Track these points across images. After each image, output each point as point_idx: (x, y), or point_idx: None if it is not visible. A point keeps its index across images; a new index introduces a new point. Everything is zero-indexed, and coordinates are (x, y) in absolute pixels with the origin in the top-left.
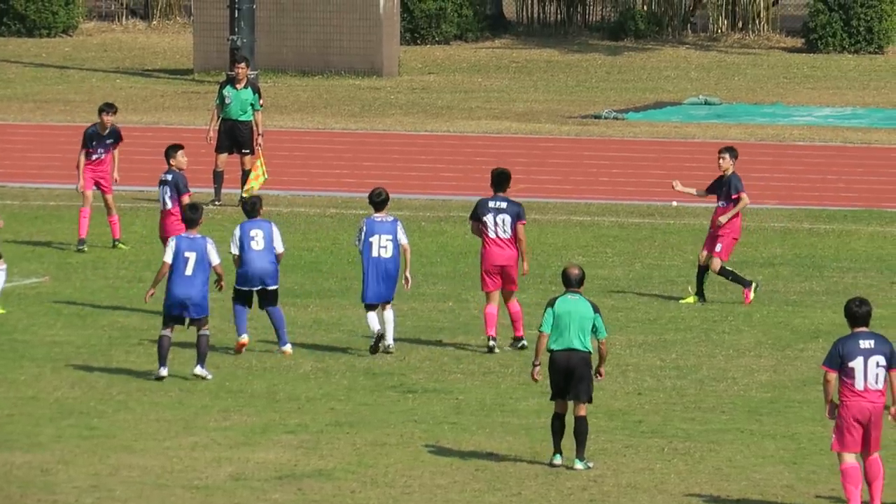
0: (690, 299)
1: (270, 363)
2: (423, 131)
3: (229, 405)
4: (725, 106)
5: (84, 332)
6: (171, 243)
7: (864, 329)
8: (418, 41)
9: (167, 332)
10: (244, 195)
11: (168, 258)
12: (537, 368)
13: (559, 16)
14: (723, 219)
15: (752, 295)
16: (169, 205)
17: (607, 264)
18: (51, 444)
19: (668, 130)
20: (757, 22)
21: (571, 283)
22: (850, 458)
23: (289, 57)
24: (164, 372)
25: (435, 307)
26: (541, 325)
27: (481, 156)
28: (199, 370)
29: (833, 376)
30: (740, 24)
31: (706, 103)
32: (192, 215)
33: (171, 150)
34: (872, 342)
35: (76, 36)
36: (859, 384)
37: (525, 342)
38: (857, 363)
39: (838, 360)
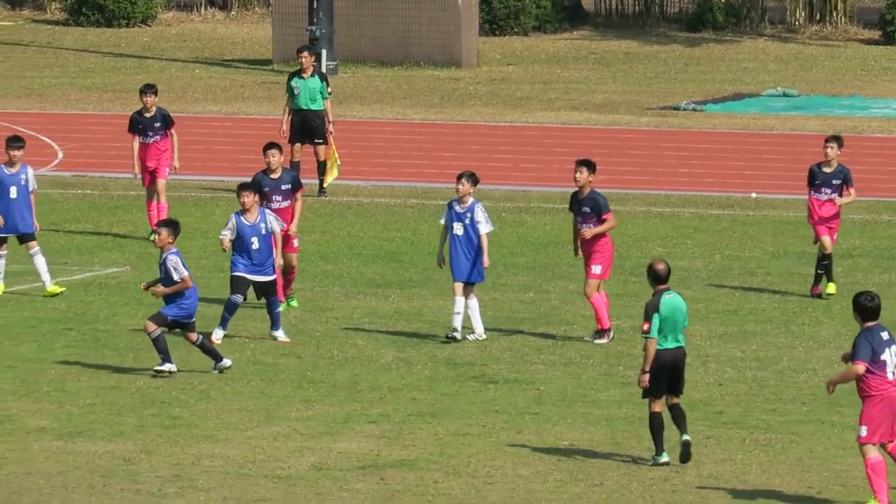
0: (831, 288)
1: (352, 353)
2: (502, 122)
3: (311, 395)
4: (804, 98)
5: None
6: (178, 261)
7: (876, 323)
8: (497, 32)
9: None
10: (330, 181)
11: (186, 273)
12: (648, 376)
13: (637, 7)
14: (840, 200)
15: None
16: None
17: (687, 255)
18: (133, 434)
19: (747, 122)
20: (834, 14)
21: (662, 279)
22: (876, 452)
23: (368, 47)
24: (173, 367)
25: (516, 298)
26: (649, 331)
27: (561, 147)
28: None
29: (864, 368)
30: (818, 17)
31: (784, 95)
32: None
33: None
34: (887, 333)
35: (155, 26)
36: (890, 375)
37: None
38: (886, 355)
39: (870, 354)
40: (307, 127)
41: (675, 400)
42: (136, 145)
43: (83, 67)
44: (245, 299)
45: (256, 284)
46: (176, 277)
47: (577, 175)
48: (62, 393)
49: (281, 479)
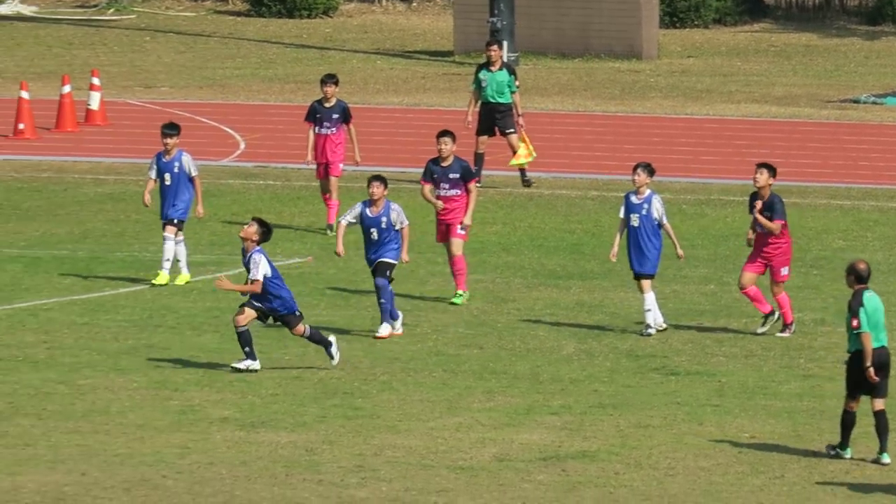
0: None
1: (534, 344)
2: (682, 114)
3: (493, 386)
4: None
5: (347, 312)
6: (263, 260)
7: None
8: (677, 25)
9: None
10: (513, 163)
11: (261, 277)
12: (872, 370)
13: (817, 0)
14: None
15: None
16: None
17: (868, 248)
18: (315, 424)
19: None
20: None
21: (864, 278)
22: None
23: (548, 39)
24: (337, 350)
25: (697, 290)
26: (859, 326)
27: (741, 139)
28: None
29: None
30: None
31: None
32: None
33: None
34: None
35: (336, 17)
36: None
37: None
38: None
39: None
40: (494, 119)
41: (880, 406)
42: (311, 134)
43: (265, 58)
44: (389, 281)
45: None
46: (250, 276)
47: (757, 176)
48: (244, 383)
49: (463, 469)
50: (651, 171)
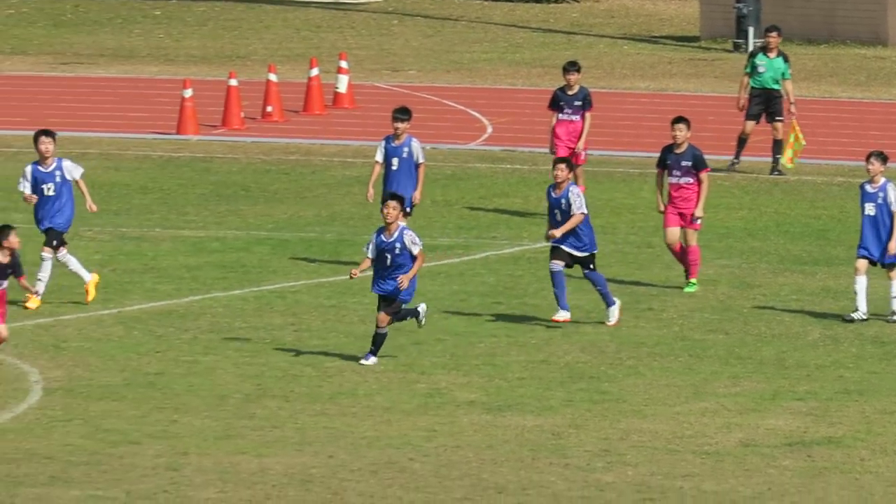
0: None
1: (779, 330)
2: None
3: (738, 371)
4: None
5: (593, 296)
6: (414, 234)
7: None
8: None
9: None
10: (784, 163)
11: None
12: None
13: None
14: None
15: None
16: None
17: None
18: (561, 408)
19: None
20: None
21: None
22: None
23: (794, 24)
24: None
25: None
26: None
27: None
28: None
29: None
30: None
31: None
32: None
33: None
34: None
35: (583, 2)
36: None
37: None
38: None
39: None
40: (767, 105)
41: None
42: (552, 120)
43: (512, 42)
44: (562, 268)
45: (573, 258)
46: (417, 249)
47: None
48: (491, 367)
49: (708, 455)
50: (885, 159)
